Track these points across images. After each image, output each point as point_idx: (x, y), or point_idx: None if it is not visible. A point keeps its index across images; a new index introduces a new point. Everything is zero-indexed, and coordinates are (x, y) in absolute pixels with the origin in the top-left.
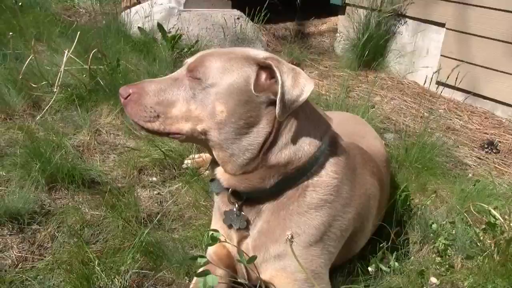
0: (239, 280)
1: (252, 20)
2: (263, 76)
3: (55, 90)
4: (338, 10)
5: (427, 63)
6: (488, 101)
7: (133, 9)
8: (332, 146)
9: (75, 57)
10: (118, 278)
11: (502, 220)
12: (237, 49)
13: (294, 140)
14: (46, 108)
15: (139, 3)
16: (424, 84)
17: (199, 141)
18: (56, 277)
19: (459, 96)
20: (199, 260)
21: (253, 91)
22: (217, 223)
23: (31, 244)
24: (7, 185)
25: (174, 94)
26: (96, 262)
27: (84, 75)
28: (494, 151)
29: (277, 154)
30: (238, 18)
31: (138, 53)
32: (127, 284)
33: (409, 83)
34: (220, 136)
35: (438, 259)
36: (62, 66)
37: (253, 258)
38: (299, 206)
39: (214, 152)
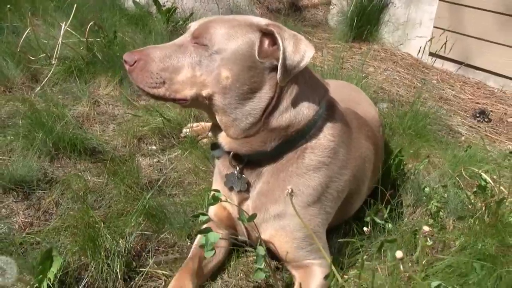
0: (240, 238)
1: None
2: (266, 42)
3: (53, 62)
4: None
5: (420, 35)
6: (480, 71)
7: None
8: (329, 110)
9: (72, 30)
10: (122, 240)
11: (492, 183)
12: (239, 17)
13: (294, 104)
14: (45, 80)
15: None
16: (418, 55)
17: (203, 105)
18: (63, 240)
19: (451, 67)
20: (200, 217)
21: (257, 57)
22: (218, 186)
23: (36, 210)
24: (10, 155)
25: (180, 60)
26: (102, 225)
27: (81, 48)
28: (485, 120)
29: (278, 118)
30: None
31: (134, 26)
32: (131, 246)
33: (402, 54)
34: (224, 101)
35: (430, 221)
36: (60, 39)
37: (253, 216)
38: (298, 168)
39: (217, 117)
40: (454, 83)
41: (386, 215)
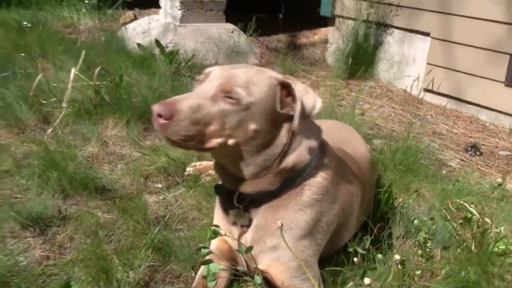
0: (239, 269)
1: (246, 33)
2: (284, 94)
3: (63, 105)
4: (328, 21)
5: (414, 71)
6: (472, 105)
7: (131, 25)
8: (322, 149)
9: (80, 73)
10: (132, 272)
11: (477, 215)
12: (257, 69)
13: (298, 147)
14: (56, 122)
15: (136, 19)
16: (412, 91)
17: (225, 151)
18: (78, 272)
19: (445, 102)
20: (202, 250)
21: (278, 109)
22: (219, 221)
23: (52, 244)
24: (26, 193)
25: (211, 114)
26: (113, 257)
27: (89, 91)
28: (477, 153)
29: (285, 161)
30: (232, 32)
31: (138, 68)
32: (140, 277)
33: (398, 90)
34: (245, 149)
35: (419, 251)
36: (70, 83)
37: (250, 248)
38: (296, 204)
39: (231, 161)
40: (447, 118)
41: (368, 245)
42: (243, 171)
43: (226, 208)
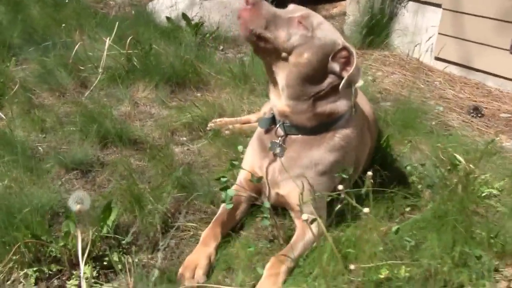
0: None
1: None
2: (342, 53)
3: (99, 71)
4: None
5: (426, 40)
6: (480, 73)
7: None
8: (355, 107)
9: (113, 44)
10: (160, 203)
11: (464, 162)
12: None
13: (337, 100)
14: (93, 86)
15: None
16: (423, 59)
17: (277, 61)
18: (115, 203)
19: (454, 70)
20: (222, 179)
21: (329, 58)
22: (252, 154)
23: (92, 185)
24: (69, 145)
25: (285, 24)
26: (145, 192)
27: (122, 59)
28: (479, 115)
29: (324, 106)
30: None
31: (166, 39)
32: (167, 207)
33: (410, 59)
34: (291, 74)
35: (411, 192)
36: (105, 52)
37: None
38: (326, 146)
39: (279, 78)
40: (455, 84)
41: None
42: (287, 96)
43: (264, 141)
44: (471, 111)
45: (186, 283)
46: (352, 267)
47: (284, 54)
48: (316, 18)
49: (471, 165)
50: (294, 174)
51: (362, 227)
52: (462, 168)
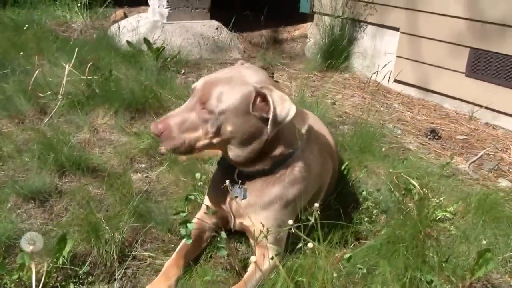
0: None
1: (229, 29)
2: (259, 99)
3: (59, 97)
4: (308, 17)
5: (385, 63)
6: (437, 95)
7: (121, 23)
8: (309, 133)
9: (73, 69)
10: (117, 232)
11: (418, 187)
12: (235, 76)
13: (286, 139)
14: (52, 112)
15: (126, 17)
16: (382, 82)
17: (214, 148)
18: (72, 232)
19: (412, 92)
20: (181, 214)
21: (251, 112)
22: (214, 190)
23: (50, 213)
24: (27, 173)
25: (194, 123)
26: (102, 221)
27: (82, 85)
28: (435, 137)
29: (274, 150)
30: (217, 28)
31: (127, 64)
32: (124, 236)
33: (369, 81)
34: (230, 145)
35: (366, 218)
36: (65, 78)
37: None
38: (287, 181)
39: (224, 153)
40: (413, 107)
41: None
42: (234, 159)
43: (223, 179)
44: (428, 133)
45: None
46: None
47: (214, 140)
48: (214, 88)
49: (424, 189)
50: (259, 208)
51: (315, 255)
52: (416, 192)
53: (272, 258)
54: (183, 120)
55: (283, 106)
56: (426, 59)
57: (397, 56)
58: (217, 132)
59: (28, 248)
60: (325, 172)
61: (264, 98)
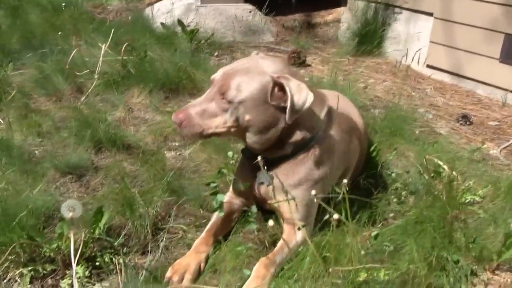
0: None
1: (263, 12)
2: (276, 88)
3: (95, 77)
4: (342, 2)
5: (418, 48)
6: (470, 81)
7: (156, 5)
8: (329, 115)
9: (109, 50)
10: (151, 207)
11: (447, 169)
12: (253, 66)
13: (305, 124)
14: (89, 91)
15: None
16: (415, 67)
17: (232, 135)
18: (107, 207)
19: (445, 77)
20: (211, 184)
21: (269, 101)
22: (241, 176)
23: (86, 188)
24: (65, 149)
25: (213, 112)
26: (136, 196)
27: (117, 64)
28: (467, 123)
29: (294, 137)
30: (250, 11)
31: (162, 45)
32: (158, 211)
33: (402, 67)
34: (248, 134)
35: (395, 199)
36: (101, 58)
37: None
38: (311, 163)
39: (243, 140)
40: (445, 92)
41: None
42: (252, 146)
43: (248, 166)
44: (460, 118)
45: (173, 286)
46: (331, 270)
47: (232, 129)
48: (233, 79)
49: (454, 172)
50: (286, 189)
51: (343, 233)
52: (446, 175)
53: (300, 234)
54: (203, 110)
55: (301, 95)
56: (460, 44)
57: (430, 42)
58: (236, 121)
59: (68, 214)
60: (351, 152)
61: (282, 88)
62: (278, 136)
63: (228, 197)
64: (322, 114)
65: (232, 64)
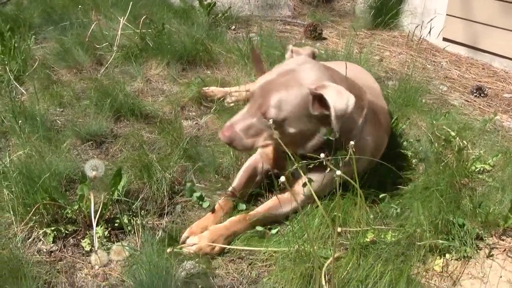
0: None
1: None
2: (315, 101)
3: (114, 49)
4: None
5: (435, 22)
6: (487, 54)
7: None
8: (368, 112)
9: (128, 23)
10: (168, 172)
11: (458, 138)
12: (291, 79)
13: (346, 126)
14: (108, 63)
15: None
16: (431, 40)
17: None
18: (125, 170)
19: (461, 51)
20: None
21: (311, 112)
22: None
23: (106, 155)
24: (85, 118)
25: (258, 129)
26: (154, 161)
27: (136, 37)
28: (481, 95)
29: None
30: None
31: (179, 19)
32: (174, 175)
33: (418, 40)
34: (293, 144)
35: (406, 166)
36: (119, 31)
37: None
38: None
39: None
40: (461, 65)
41: None
42: (300, 153)
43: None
44: (474, 91)
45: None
46: (339, 230)
47: (279, 140)
48: (271, 96)
49: (464, 141)
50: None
51: (352, 196)
52: (456, 144)
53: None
54: (247, 127)
55: (341, 100)
56: (477, 17)
57: (447, 15)
58: (281, 134)
59: (92, 173)
60: (379, 147)
61: (321, 98)
62: (320, 144)
63: (253, 160)
64: (360, 120)
65: (270, 75)
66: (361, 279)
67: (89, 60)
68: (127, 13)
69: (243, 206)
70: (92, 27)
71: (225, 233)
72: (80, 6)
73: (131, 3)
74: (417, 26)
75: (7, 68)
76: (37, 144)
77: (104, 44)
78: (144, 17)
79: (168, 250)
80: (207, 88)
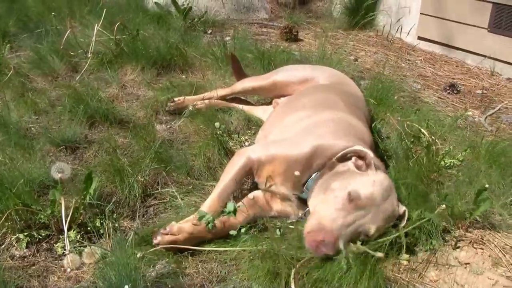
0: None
1: None
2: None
3: (89, 56)
4: None
5: (409, 21)
6: (460, 51)
7: None
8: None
9: (103, 29)
10: (140, 175)
11: (427, 134)
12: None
13: None
14: (83, 70)
15: None
16: (406, 39)
17: None
18: (96, 174)
19: (436, 49)
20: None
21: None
22: None
23: (80, 160)
24: (59, 124)
25: (353, 222)
26: (126, 165)
27: (111, 44)
28: (455, 92)
29: None
30: None
31: (155, 24)
32: (146, 179)
33: (393, 39)
34: None
35: None
36: (93, 37)
37: None
38: None
39: None
40: (435, 63)
41: None
42: None
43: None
44: (447, 88)
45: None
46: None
47: None
48: (358, 190)
49: (433, 137)
50: None
51: None
52: (426, 140)
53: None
54: (343, 223)
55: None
56: (450, 15)
57: (421, 13)
58: None
59: (57, 175)
60: None
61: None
62: None
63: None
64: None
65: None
66: (328, 278)
67: (64, 67)
68: (101, 19)
69: (231, 207)
70: (67, 34)
71: (206, 237)
72: (54, 14)
73: (105, 9)
74: (394, 28)
75: None
76: (10, 152)
77: (79, 51)
78: (118, 23)
79: (138, 255)
80: (177, 99)
